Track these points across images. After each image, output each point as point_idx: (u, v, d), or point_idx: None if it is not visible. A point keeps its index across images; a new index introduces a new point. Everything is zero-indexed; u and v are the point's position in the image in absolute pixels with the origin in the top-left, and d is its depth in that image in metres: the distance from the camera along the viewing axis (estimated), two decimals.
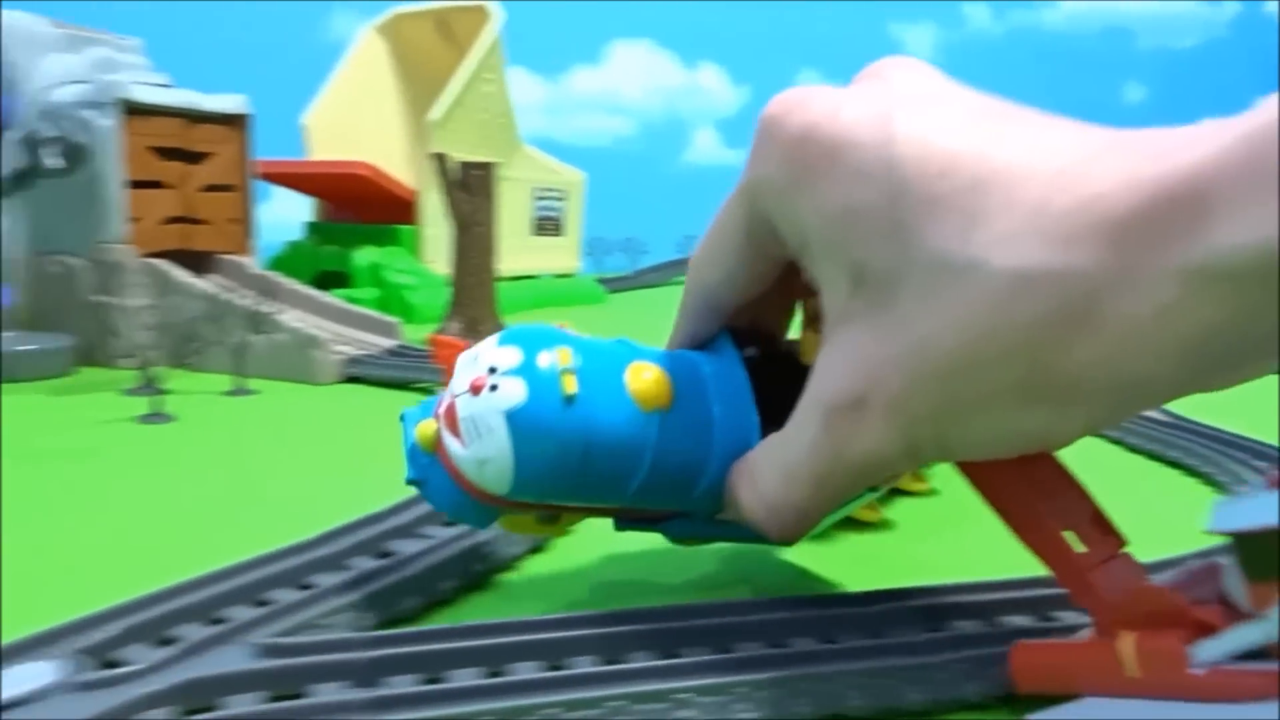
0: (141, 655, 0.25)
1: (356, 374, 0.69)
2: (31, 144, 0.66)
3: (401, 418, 0.27)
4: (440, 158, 0.81)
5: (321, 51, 1.78)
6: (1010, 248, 0.19)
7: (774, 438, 0.25)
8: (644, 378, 0.26)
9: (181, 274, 0.73)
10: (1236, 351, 0.19)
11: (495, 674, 0.25)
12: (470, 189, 0.82)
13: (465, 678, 0.25)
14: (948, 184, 0.20)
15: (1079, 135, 0.21)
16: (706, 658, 0.26)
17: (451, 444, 0.25)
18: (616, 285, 1.56)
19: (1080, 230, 0.19)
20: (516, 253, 1.17)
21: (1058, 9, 2.50)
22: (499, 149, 1.18)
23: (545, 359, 0.24)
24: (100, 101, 0.70)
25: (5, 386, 0.64)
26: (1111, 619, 0.22)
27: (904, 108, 0.22)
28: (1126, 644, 0.21)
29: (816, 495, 0.24)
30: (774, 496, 0.25)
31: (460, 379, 0.25)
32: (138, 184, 0.73)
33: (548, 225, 1.37)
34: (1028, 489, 0.24)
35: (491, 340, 0.26)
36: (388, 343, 0.76)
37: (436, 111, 1.11)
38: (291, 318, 0.71)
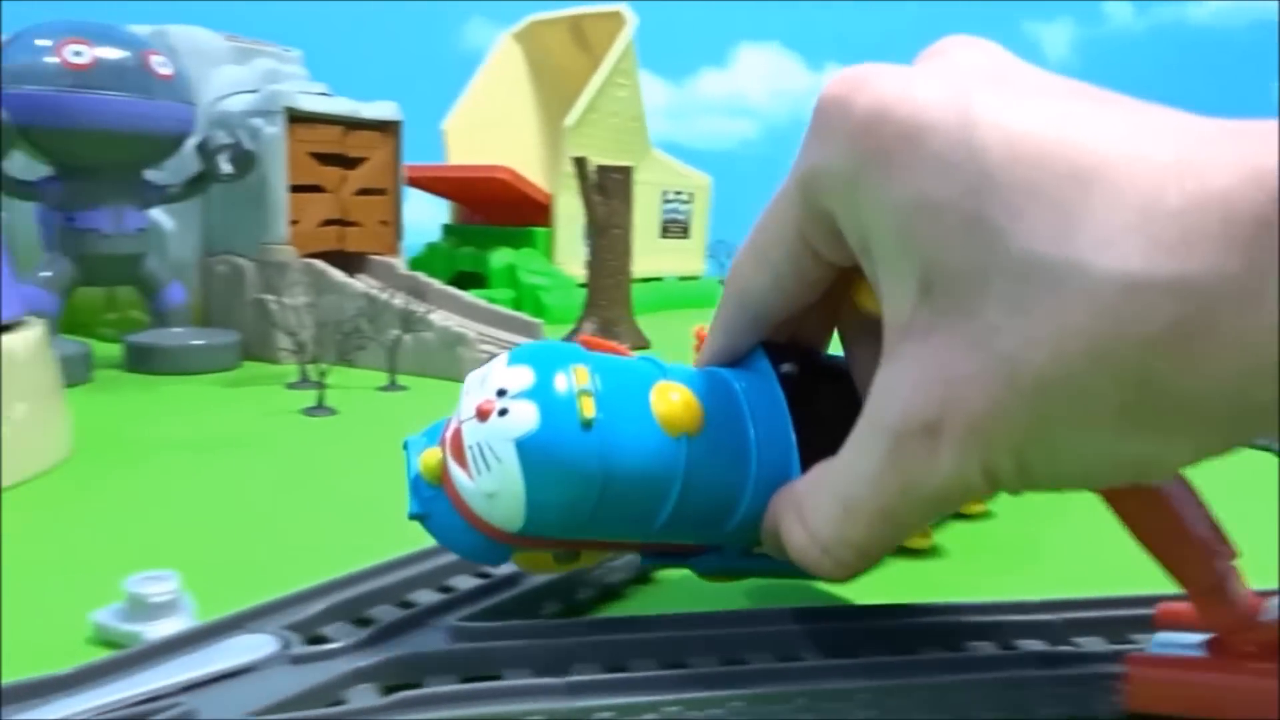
0: (343, 633, 0.27)
1: None
2: (206, 151, 0.70)
3: (405, 445, 0.25)
4: (580, 162, 0.82)
5: (457, 59, 1.83)
6: (1117, 250, 0.17)
7: (826, 467, 0.23)
8: (671, 399, 0.23)
9: (337, 274, 0.76)
10: None
11: (674, 666, 0.26)
12: (607, 192, 0.83)
13: (646, 668, 0.25)
14: (1041, 174, 0.18)
15: (1185, 121, 0.18)
16: (881, 659, 0.26)
17: (458, 475, 0.23)
18: None
19: (1199, 231, 0.16)
20: (644, 255, 1.18)
21: (1203, 6, 2.38)
22: (631, 153, 1.19)
23: (560, 380, 0.22)
24: (268, 110, 0.74)
25: (180, 378, 0.68)
26: (1260, 641, 0.21)
27: (983, 88, 0.19)
28: None
29: (880, 531, 0.22)
30: (830, 534, 0.22)
31: (467, 402, 0.23)
32: (298, 188, 0.77)
33: (674, 228, 1.38)
34: (1161, 496, 0.22)
35: (501, 360, 0.23)
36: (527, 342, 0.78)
37: (572, 117, 1.13)
38: (438, 317, 0.74)
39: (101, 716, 0.22)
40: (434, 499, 0.24)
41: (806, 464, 0.24)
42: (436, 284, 0.83)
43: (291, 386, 0.66)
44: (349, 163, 0.82)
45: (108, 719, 0.22)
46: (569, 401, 0.22)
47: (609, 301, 0.85)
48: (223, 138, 0.70)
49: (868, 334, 0.25)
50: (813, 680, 0.24)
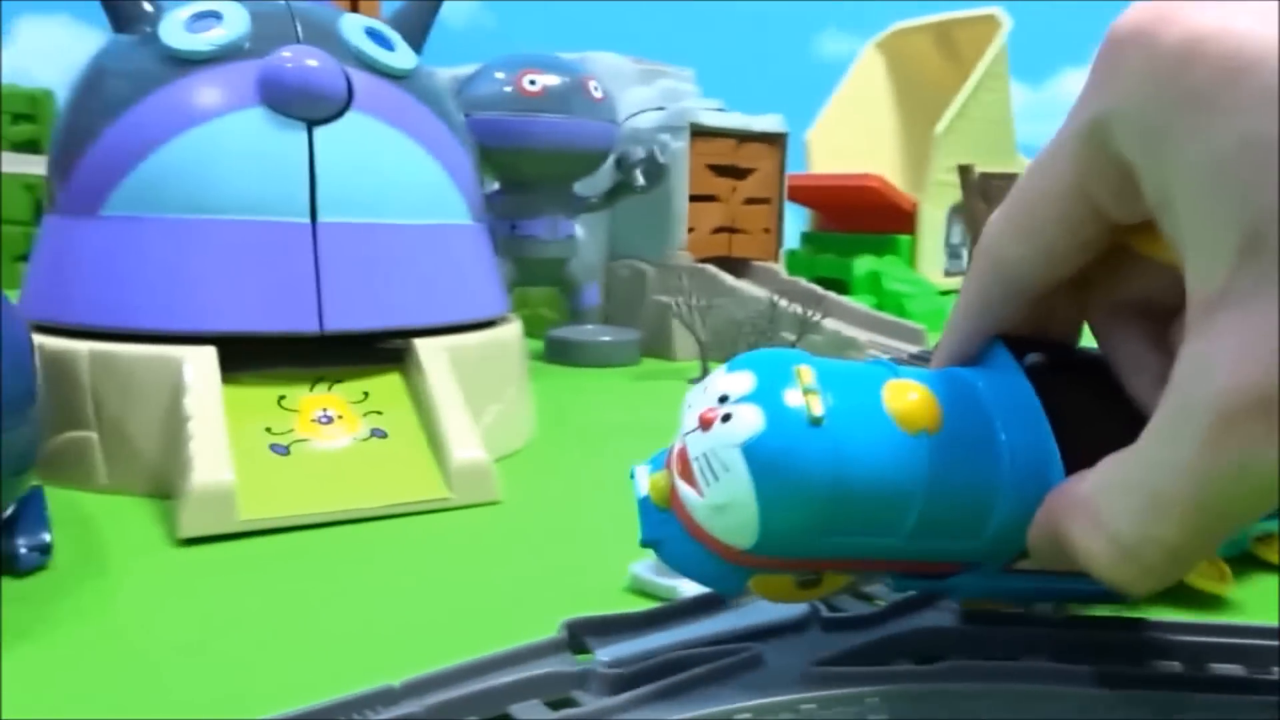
0: (854, 605, 0.30)
1: None
2: (624, 165, 0.77)
3: (631, 473, 0.25)
4: (965, 169, 0.82)
5: (812, 69, 1.87)
6: None
7: (1118, 460, 0.20)
8: (906, 396, 0.22)
9: (729, 278, 0.81)
10: None
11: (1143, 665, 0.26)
12: (990, 199, 0.82)
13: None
14: None
15: None
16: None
17: (686, 492, 0.22)
18: None
19: None
20: None
21: None
22: (997, 157, 1.16)
23: (784, 381, 0.21)
24: (674, 126, 0.81)
25: (592, 370, 0.76)
26: None
27: None
28: None
29: (1196, 528, 0.19)
30: (1135, 534, 0.19)
31: (690, 416, 0.22)
32: (695, 198, 0.83)
33: None
34: None
35: (721, 369, 0.23)
36: (911, 348, 0.79)
37: (943, 123, 1.13)
38: (828, 322, 0.77)
39: (684, 653, 0.26)
40: (665, 523, 0.23)
41: (1068, 466, 0.22)
42: (819, 290, 0.86)
43: (694, 381, 0.71)
44: (739, 173, 0.87)
45: (690, 654, 0.26)
46: (795, 401, 0.21)
47: None
48: (638, 152, 0.77)
49: (1129, 316, 0.24)
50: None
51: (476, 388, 0.47)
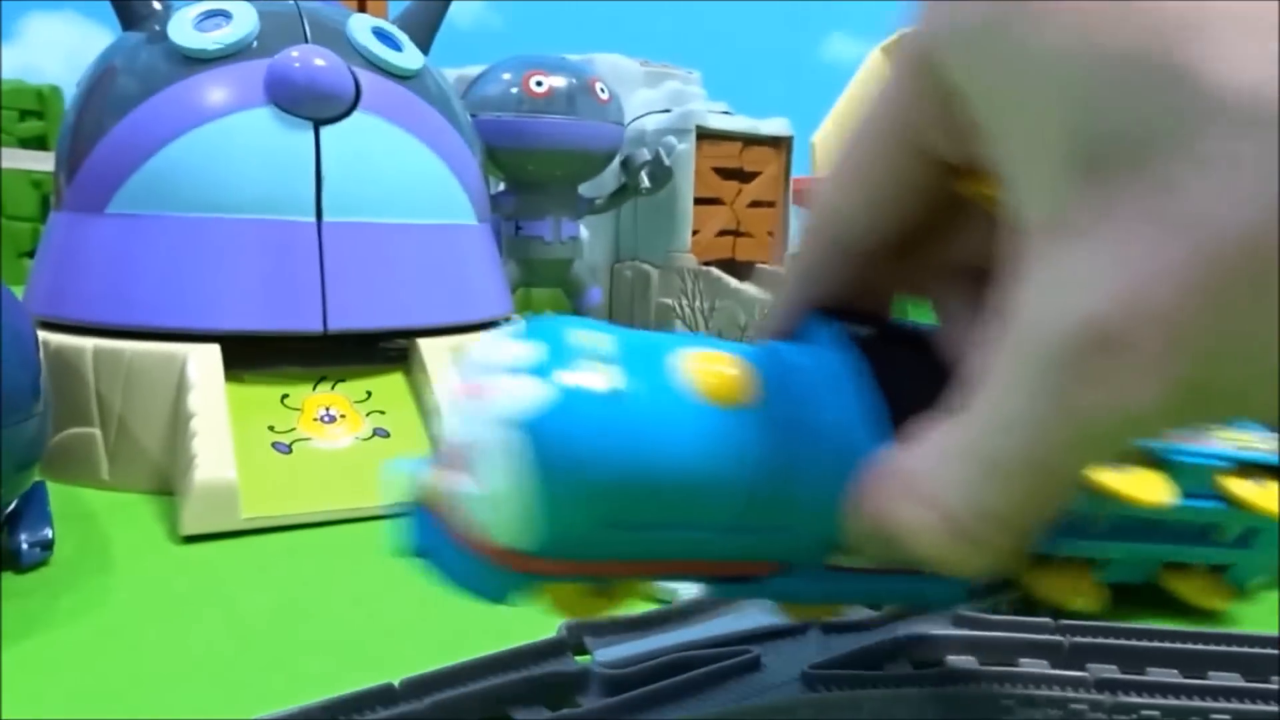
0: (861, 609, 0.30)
1: None
2: (630, 167, 0.77)
3: (395, 471, 0.21)
4: None
5: (816, 73, 1.87)
6: None
7: (947, 424, 0.18)
8: (715, 368, 0.19)
9: (733, 281, 0.81)
10: None
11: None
12: None
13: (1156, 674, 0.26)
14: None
15: None
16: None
17: (455, 484, 0.18)
18: None
19: None
20: None
21: None
22: None
23: (568, 348, 0.18)
24: (680, 129, 0.81)
25: None
26: None
27: None
28: None
29: (1036, 493, 0.17)
30: (967, 507, 0.17)
31: (459, 391, 0.19)
32: (700, 200, 0.83)
33: None
34: None
35: (498, 335, 0.19)
36: None
37: None
38: None
39: (682, 655, 0.26)
40: (432, 528, 0.19)
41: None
42: None
43: None
44: (744, 176, 0.87)
45: (689, 657, 0.26)
46: (582, 370, 0.17)
47: None
48: (644, 154, 0.77)
49: (961, 284, 0.21)
50: None
51: None
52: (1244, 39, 0.14)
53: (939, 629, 0.27)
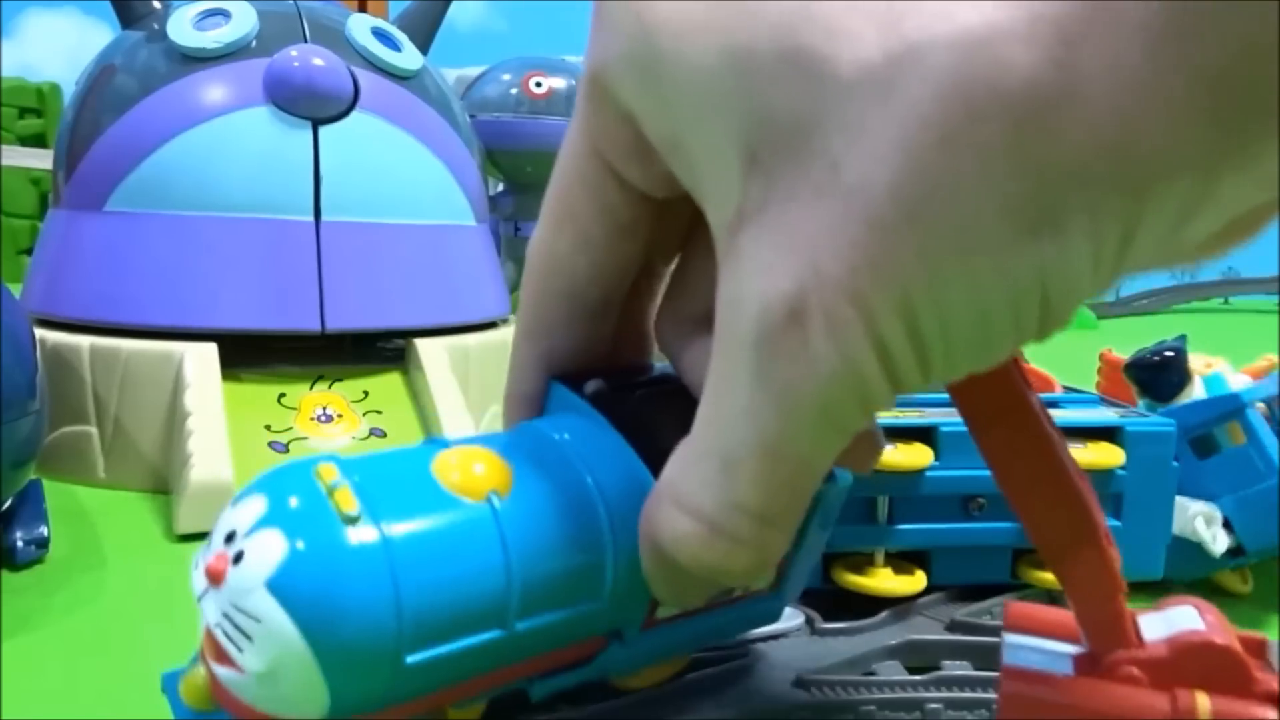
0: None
1: None
2: None
3: (162, 687, 0.20)
4: None
5: None
6: (951, 20, 0.14)
7: (688, 438, 0.18)
8: (459, 463, 0.18)
9: None
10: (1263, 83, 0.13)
11: None
12: None
13: None
14: None
15: None
16: None
17: (224, 675, 0.16)
18: (1102, 312, 1.47)
19: None
20: None
21: None
22: None
23: (300, 488, 0.17)
24: None
25: None
26: (1144, 667, 0.19)
27: None
28: (1201, 708, 0.18)
29: (773, 481, 0.17)
30: (714, 505, 0.17)
31: (197, 577, 0.17)
32: None
33: None
34: (1083, 498, 0.19)
35: (229, 505, 0.18)
36: None
37: None
38: None
39: None
40: None
41: None
42: None
43: None
44: None
45: (690, 659, 0.26)
46: (319, 506, 0.17)
47: None
48: None
49: (695, 330, 0.21)
50: None
51: (476, 388, 0.47)
52: (859, 20, 0.15)
53: (933, 634, 0.27)
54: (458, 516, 0.18)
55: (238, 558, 0.16)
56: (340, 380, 0.45)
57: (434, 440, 0.20)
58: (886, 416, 0.30)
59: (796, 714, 0.24)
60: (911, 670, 0.27)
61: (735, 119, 0.16)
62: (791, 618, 0.29)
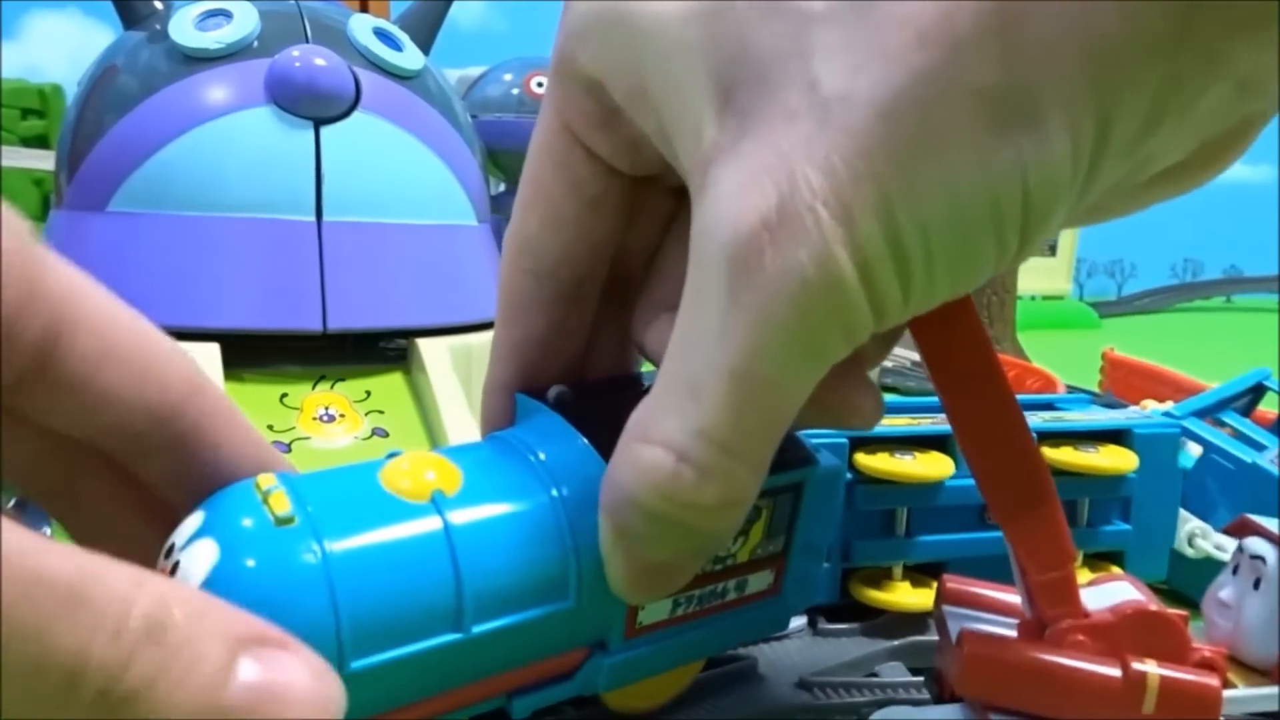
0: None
1: (890, 383, 0.73)
2: None
3: None
4: None
5: None
6: None
7: (656, 376, 0.18)
8: (405, 466, 0.19)
9: None
10: None
11: None
12: None
13: None
14: None
15: None
16: None
17: None
18: (1104, 311, 1.47)
19: None
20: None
21: None
22: None
23: (234, 498, 0.17)
24: None
25: None
26: (1090, 633, 0.19)
27: None
28: (1152, 678, 0.18)
29: (743, 405, 0.17)
30: (681, 434, 0.17)
31: None
32: None
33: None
34: (1042, 474, 0.20)
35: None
36: (915, 354, 0.79)
37: None
38: None
39: None
40: None
41: None
42: None
43: None
44: None
45: None
46: (252, 511, 0.17)
47: (991, 319, 0.84)
48: None
49: (666, 309, 0.21)
50: None
51: (479, 388, 0.47)
52: None
53: (935, 635, 0.27)
54: (399, 515, 0.17)
55: (174, 569, 0.16)
56: (342, 380, 0.45)
57: (393, 454, 0.20)
58: (903, 424, 0.30)
59: (799, 715, 0.24)
60: (914, 671, 0.27)
61: (706, 62, 0.16)
62: (793, 619, 0.29)
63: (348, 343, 0.46)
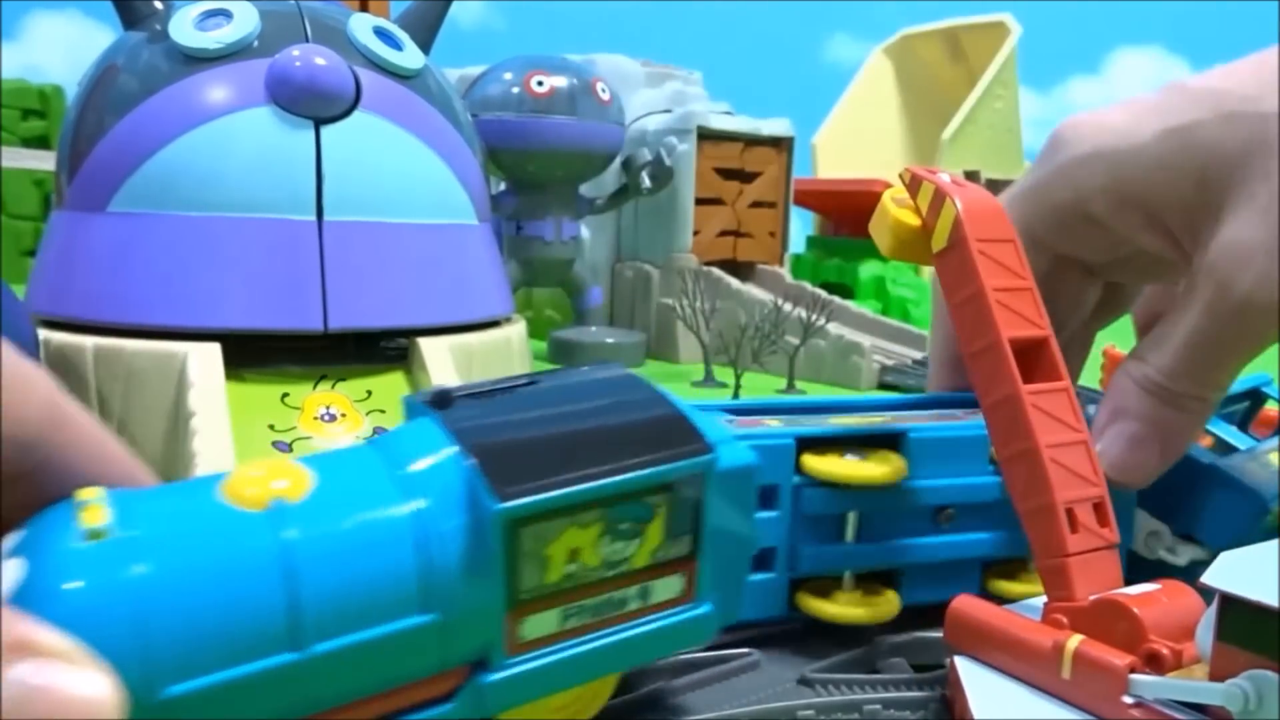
0: None
1: (891, 381, 0.73)
2: (631, 168, 0.77)
3: None
4: (971, 175, 0.82)
5: (818, 75, 1.87)
6: None
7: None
8: (252, 474, 0.18)
9: (735, 282, 0.81)
10: None
11: None
12: None
13: None
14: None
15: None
16: None
17: None
18: None
19: None
20: None
21: None
22: (1005, 165, 1.16)
23: (49, 516, 0.16)
24: (682, 129, 0.81)
25: None
26: (1070, 616, 0.23)
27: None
28: (1069, 645, 0.22)
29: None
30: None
31: None
32: (701, 201, 0.83)
33: None
34: (1044, 461, 0.24)
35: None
36: (915, 354, 0.79)
37: (950, 129, 1.13)
38: (832, 326, 0.77)
39: (682, 657, 0.26)
40: None
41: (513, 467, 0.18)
42: (824, 294, 0.86)
43: (697, 384, 0.71)
44: (746, 177, 0.87)
45: (692, 657, 0.26)
46: (63, 526, 0.16)
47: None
48: (645, 155, 0.77)
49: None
50: None
51: None
52: (1263, 81, 0.25)
53: (937, 632, 0.27)
54: (226, 526, 0.16)
55: None
56: (343, 379, 0.45)
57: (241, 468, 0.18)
58: (850, 422, 0.29)
59: (800, 712, 0.24)
60: (916, 668, 0.27)
61: (1176, 174, 0.26)
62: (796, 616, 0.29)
63: (349, 342, 0.46)
